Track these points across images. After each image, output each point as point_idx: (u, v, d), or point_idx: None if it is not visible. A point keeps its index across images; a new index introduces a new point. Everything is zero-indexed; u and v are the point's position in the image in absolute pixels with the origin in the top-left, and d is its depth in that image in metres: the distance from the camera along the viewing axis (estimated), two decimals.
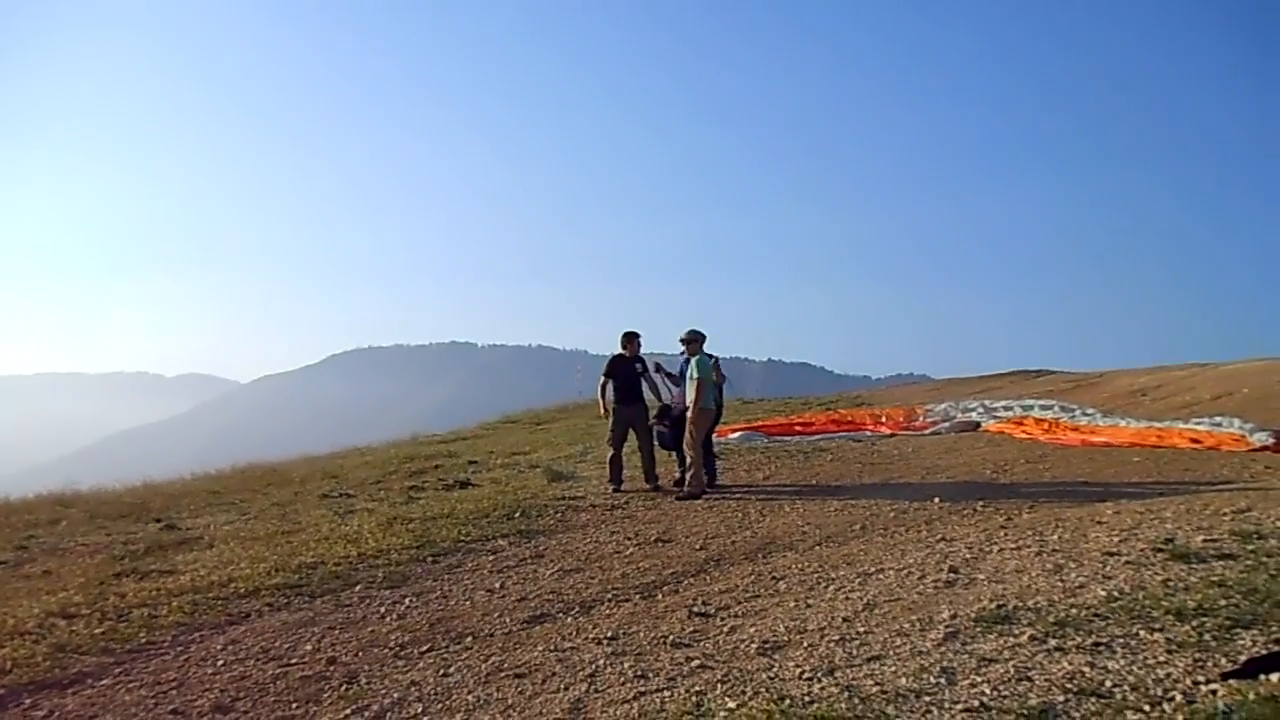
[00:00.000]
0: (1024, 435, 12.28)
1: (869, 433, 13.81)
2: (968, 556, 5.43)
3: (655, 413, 9.89)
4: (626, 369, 9.70)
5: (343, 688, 4.13)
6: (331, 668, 4.43)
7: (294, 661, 4.55)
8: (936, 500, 7.77)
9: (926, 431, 13.60)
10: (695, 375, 9.06)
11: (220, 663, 4.59)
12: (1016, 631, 3.83)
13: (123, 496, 10.74)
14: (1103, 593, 4.19)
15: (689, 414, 9.07)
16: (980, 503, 7.51)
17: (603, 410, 9.74)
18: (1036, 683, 3.26)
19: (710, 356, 9.31)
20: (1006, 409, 14.81)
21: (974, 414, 14.60)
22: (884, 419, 15.06)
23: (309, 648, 4.77)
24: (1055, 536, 5.67)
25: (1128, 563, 4.72)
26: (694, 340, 9.26)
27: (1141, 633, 3.61)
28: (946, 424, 13.90)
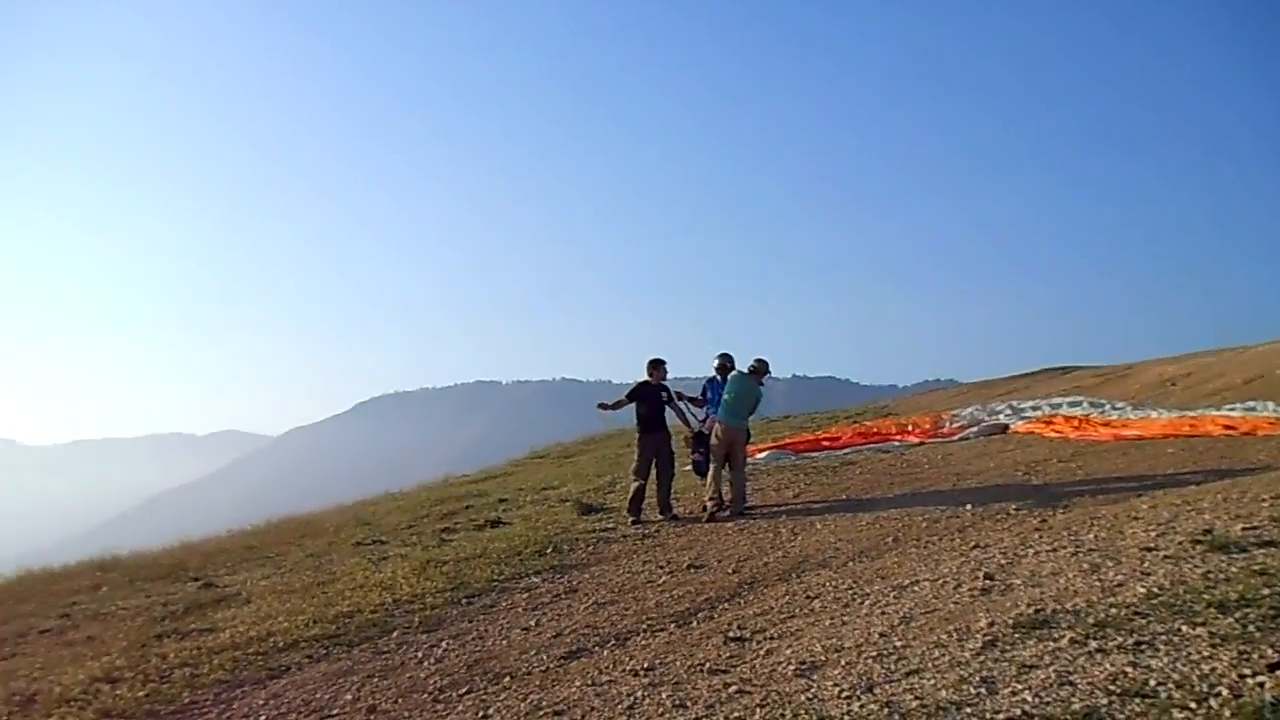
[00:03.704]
0: (1054, 434, 12.14)
1: (897, 443, 13.69)
2: (1003, 562, 5.38)
3: (691, 441, 9.93)
4: (651, 395, 9.61)
5: None
6: (372, 716, 4.45)
7: (335, 712, 4.58)
8: (968, 507, 7.70)
9: (955, 438, 13.48)
10: (730, 395, 9.18)
11: (263, 718, 4.62)
12: (1056, 635, 3.78)
13: (160, 558, 10.83)
14: (1142, 590, 4.13)
15: (715, 432, 9.20)
16: (1013, 506, 7.43)
17: (608, 406, 9.72)
18: (1079, 686, 3.21)
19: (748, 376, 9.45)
20: (1034, 409, 14.66)
21: (1002, 416, 14.46)
22: (911, 428, 14.94)
23: (349, 697, 4.79)
24: (1091, 535, 5.60)
25: (1166, 557, 4.65)
26: (725, 364, 9.53)
27: (1184, 628, 3.55)
28: (975, 428, 13.76)
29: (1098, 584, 4.44)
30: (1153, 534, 5.21)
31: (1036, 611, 4.15)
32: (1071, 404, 14.44)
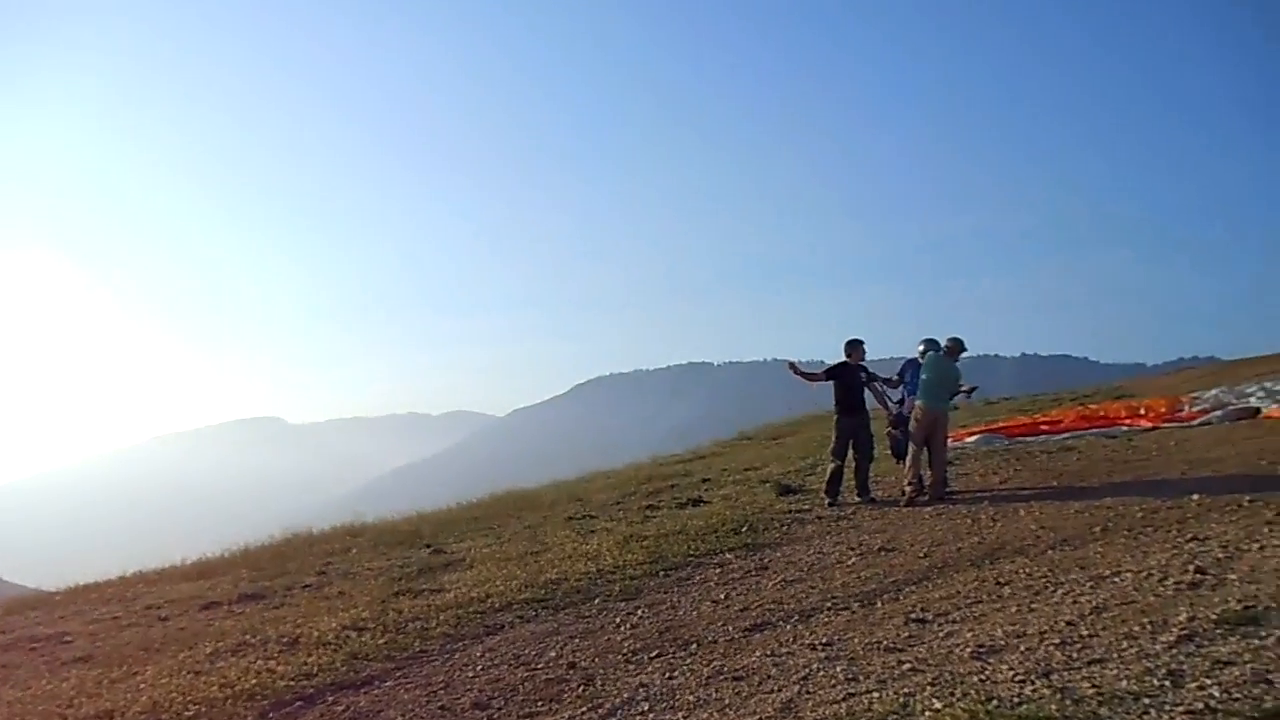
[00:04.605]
0: None
1: (1125, 428, 12.68)
2: (1220, 556, 5.03)
3: (890, 421, 9.85)
4: (849, 376, 9.54)
5: (580, 689, 4.60)
6: (571, 671, 4.93)
7: (540, 666, 5.11)
8: (1195, 497, 7.10)
9: (1194, 422, 12.31)
10: (928, 376, 9.04)
11: (479, 667, 5.24)
12: (1263, 633, 3.58)
13: (399, 526, 12.20)
14: None
15: (914, 415, 9.07)
16: (1246, 498, 6.77)
17: (801, 373, 9.67)
18: (1277, 685, 3.05)
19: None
20: None
21: (1253, 399, 12.98)
22: (1144, 411, 13.76)
23: (553, 654, 5.31)
24: None
25: None
26: (930, 348, 9.37)
27: None
28: (1219, 412, 12.46)
29: None
30: None
31: (1246, 608, 3.92)
32: None
